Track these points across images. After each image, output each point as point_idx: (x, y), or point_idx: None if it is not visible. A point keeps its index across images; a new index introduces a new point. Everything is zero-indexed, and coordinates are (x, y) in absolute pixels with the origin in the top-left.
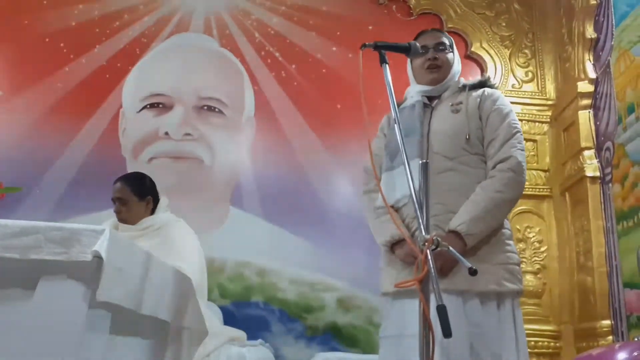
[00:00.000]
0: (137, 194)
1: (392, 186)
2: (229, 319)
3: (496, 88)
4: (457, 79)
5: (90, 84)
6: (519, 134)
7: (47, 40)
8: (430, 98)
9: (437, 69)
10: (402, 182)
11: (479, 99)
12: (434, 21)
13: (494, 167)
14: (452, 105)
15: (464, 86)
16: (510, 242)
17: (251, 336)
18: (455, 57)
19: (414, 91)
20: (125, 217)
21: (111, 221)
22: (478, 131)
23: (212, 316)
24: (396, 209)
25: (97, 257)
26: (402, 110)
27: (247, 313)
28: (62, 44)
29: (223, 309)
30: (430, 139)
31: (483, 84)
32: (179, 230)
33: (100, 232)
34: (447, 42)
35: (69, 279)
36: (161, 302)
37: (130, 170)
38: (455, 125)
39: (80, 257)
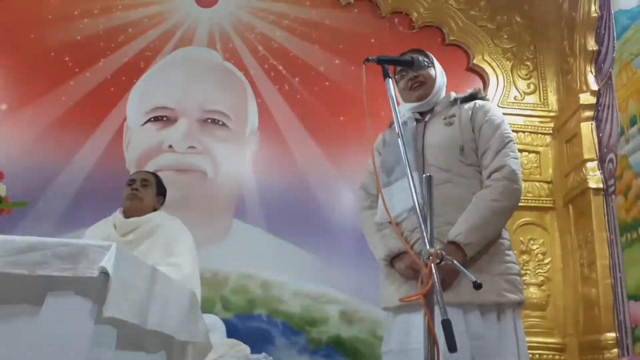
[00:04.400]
0: (158, 189)
1: (391, 201)
2: (232, 332)
3: (487, 100)
4: (444, 92)
5: (94, 98)
6: (511, 143)
7: (52, 54)
8: (423, 114)
9: (421, 86)
10: (401, 197)
11: (470, 111)
12: (435, 34)
13: (488, 176)
14: (445, 118)
15: (455, 99)
16: (510, 252)
17: (255, 350)
18: (437, 71)
19: (404, 109)
20: (140, 197)
21: (111, 217)
22: (472, 142)
23: (213, 329)
24: (395, 223)
25: (104, 273)
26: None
27: (250, 326)
28: (67, 58)
29: (226, 322)
30: (425, 152)
31: (474, 96)
32: (174, 227)
33: (107, 247)
34: (425, 59)
35: (76, 295)
36: (166, 316)
37: None
38: (449, 137)
39: (87, 273)
